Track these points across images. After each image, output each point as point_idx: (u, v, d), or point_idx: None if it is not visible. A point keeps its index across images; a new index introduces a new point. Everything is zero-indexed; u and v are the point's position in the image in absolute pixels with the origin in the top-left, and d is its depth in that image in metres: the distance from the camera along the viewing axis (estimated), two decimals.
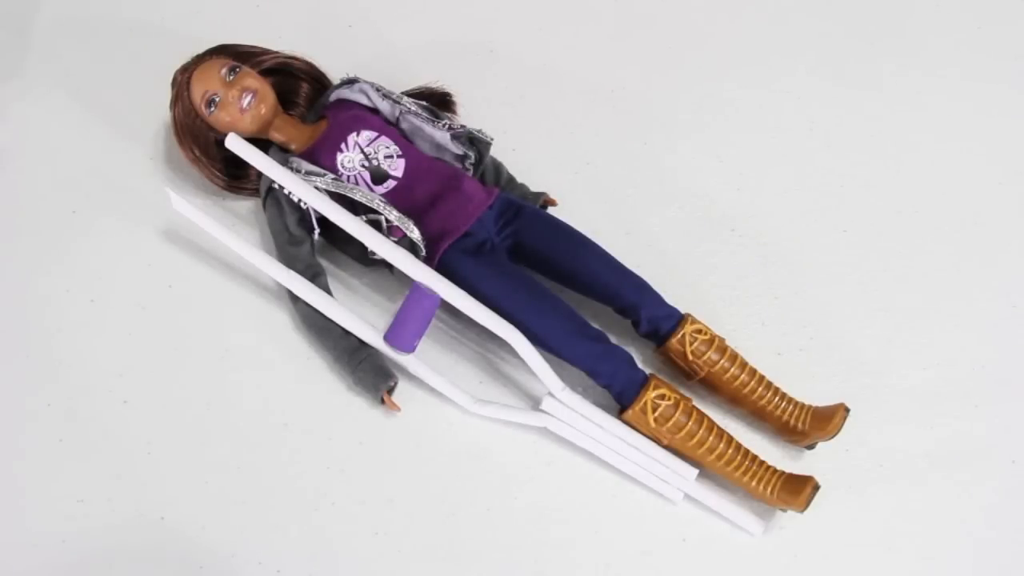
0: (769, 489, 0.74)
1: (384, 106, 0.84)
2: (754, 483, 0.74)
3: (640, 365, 0.78)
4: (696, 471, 0.76)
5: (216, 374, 0.80)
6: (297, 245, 0.80)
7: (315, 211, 0.77)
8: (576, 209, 0.87)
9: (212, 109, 0.79)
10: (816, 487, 0.73)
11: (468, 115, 0.89)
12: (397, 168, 0.80)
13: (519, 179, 0.89)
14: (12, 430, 0.77)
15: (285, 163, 0.79)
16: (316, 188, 0.76)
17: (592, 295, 0.79)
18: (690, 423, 0.74)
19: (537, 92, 0.97)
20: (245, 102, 0.78)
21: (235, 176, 0.85)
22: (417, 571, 0.74)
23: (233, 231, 0.79)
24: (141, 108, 0.90)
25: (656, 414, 0.74)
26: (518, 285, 0.76)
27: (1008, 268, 0.91)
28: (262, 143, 0.81)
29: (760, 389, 0.77)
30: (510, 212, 0.81)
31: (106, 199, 0.87)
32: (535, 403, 0.81)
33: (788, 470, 0.76)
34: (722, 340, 0.78)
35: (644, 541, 0.76)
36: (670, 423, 0.74)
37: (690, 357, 0.76)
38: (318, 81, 0.89)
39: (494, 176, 0.87)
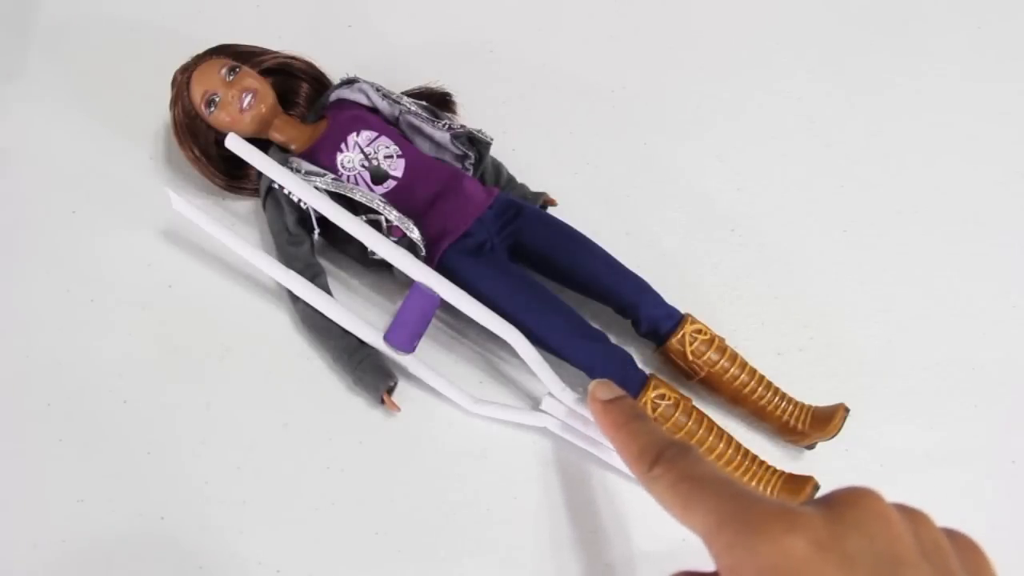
0: (769, 489, 0.74)
1: (384, 106, 0.84)
2: (754, 483, 0.74)
3: (640, 365, 0.78)
4: None
5: (216, 374, 0.80)
6: (297, 245, 0.80)
7: (315, 211, 0.77)
8: (576, 209, 0.87)
9: (212, 109, 0.79)
10: (816, 487, 0.73)
11: (468, 115, 0.89)
12: (397, 168, 0.80)
13: (519, 179, 0.89)
14: (12, 430, 0.77)
15: (285, 163, 0.79)
16: (316, 188, 0.76)
17: (592, 295, 0.79)
18: (690, 423, 0.74)
19: (537, 92, 0.97)
20: (245, 102, 0.78)
21: (235, 176, 0.85)
22: (417, 571, 0.74)
23: (233, 231, 0.79)
24: (141, 108, 0.90)
25: (656, 414, 0.74)
26: (518, 285, 0.76)
27: (1008, 268, 0.91)
28: (262, 143, 0.81)
29: (760, 389, 0.77)
30: (510, 212, 0.81)
31: (106, 199, 0.87)
32: (535, 403, 0.81)
33: (788, 470, 0.76)
34: (722, 340, 0.78)
35: (644, 541, 0.76)
36: (670, 423, 0.74)
37: (690, 357, 0.76)
38: (318, 81, 0.89)
39: (494, 176, 0.87)
